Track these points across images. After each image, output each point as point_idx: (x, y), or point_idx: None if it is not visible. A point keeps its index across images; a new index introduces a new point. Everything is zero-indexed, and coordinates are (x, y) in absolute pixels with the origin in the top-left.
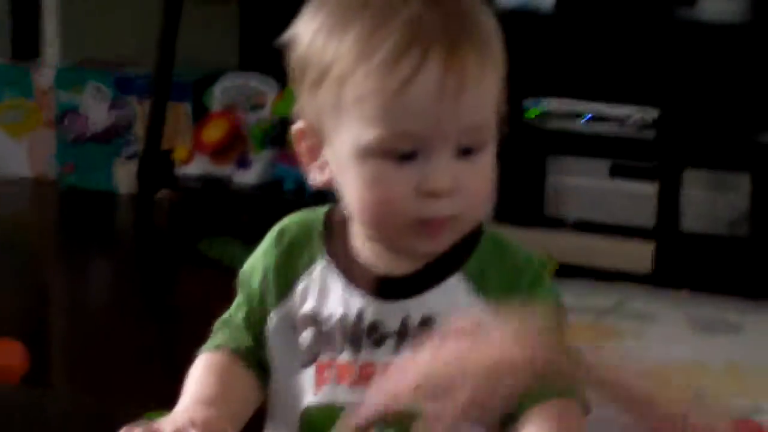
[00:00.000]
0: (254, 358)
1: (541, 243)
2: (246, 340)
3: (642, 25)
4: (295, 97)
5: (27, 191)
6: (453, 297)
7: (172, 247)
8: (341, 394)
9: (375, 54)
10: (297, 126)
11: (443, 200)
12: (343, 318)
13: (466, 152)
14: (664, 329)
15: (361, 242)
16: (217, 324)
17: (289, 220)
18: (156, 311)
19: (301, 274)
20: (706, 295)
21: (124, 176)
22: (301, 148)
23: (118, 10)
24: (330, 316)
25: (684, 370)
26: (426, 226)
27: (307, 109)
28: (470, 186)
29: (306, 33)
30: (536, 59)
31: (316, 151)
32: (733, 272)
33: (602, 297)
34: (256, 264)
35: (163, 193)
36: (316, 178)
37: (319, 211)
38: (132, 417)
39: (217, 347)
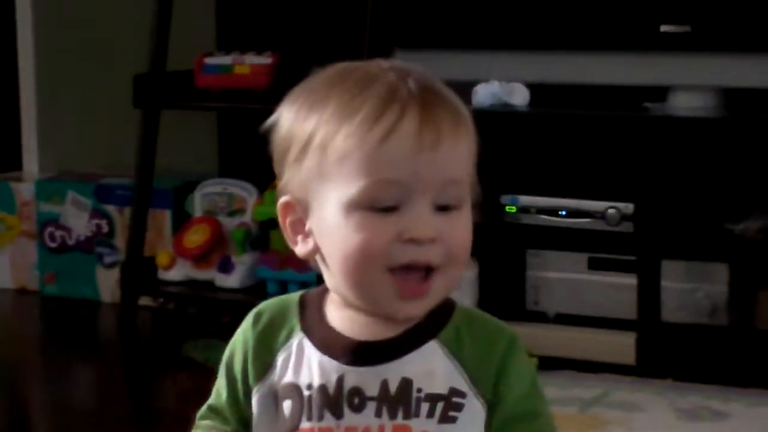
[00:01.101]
0: None
1: (523, 337)
2: (233, 424)
3: (615, 121)
4: (280, 176)
5: (9, 301)
6: (430, 360)
7: (156, 352)
8: None
9: (355, 116)
10: (282, 201)
11: (423, 247)
12: (323, 386)
13: (443, 209)
14: (650, 418)
15: (336, 313)
16: (201, 413)
17: (265, 304)
18: (141, 416)
19: (279, 349)
20: (690, 384)
21: (107, 284)
22: (285, 223)
23: (95, 121)
24: (309, 385)
25: None
26: (407, 285)
27: (292, 184)
28: (450, 237)
29: (288, 114)
30: (512, 156)
31: (299, 224)
32: (716, 361)
33: (587, 388)
34: (236, 347)
35: (145, 300)
36: (299, 249)
37: (294, 294)
38: None
39: None
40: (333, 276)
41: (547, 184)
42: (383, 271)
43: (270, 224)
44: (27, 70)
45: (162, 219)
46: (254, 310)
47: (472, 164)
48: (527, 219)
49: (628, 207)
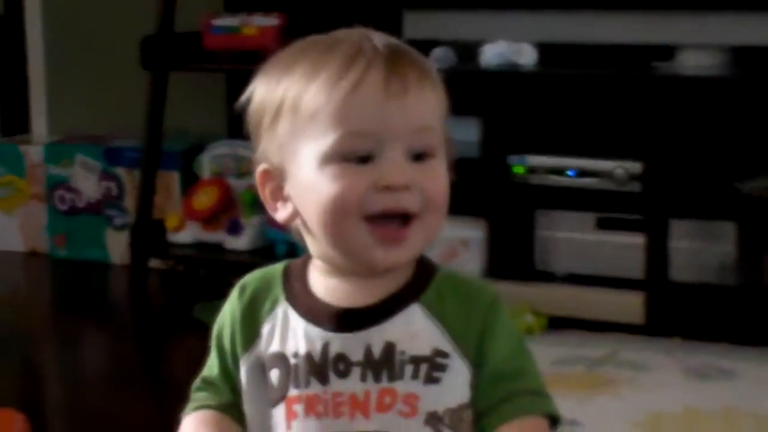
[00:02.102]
0: (236, 411)
1: (532, 296)
2: (226, 395)
3: (622, 81)
4: (256, 147)
5: (20, 264)
6: (412, 323)
7: (166, 314)
8: (312, 425)
9: (322, 73)
10: (260, 169)
11: (399, 193)
12: (308, 354)
13: (418, 157)
14: (658, 377)
15: (320, 281)
16: (196, 385)
17: (250, 276)
18: (151, 378)
19: (265, 320)
20: (699, 343)
21: (117, 246)
22: (265, 191)
23: (104, 83)
24: (295, 353)
25: (679, 416)
26: (385, 232)
27: (268, 151)
28: (424, 185)
29: (259, 87)
30: (520, 117)
31: (278, 190)
32: (724, 319)
33: (595, 347)
34: (224, 320)
35: (155, 262)
36: (280, 215)
37: (278, 265)
38: None
39: (200, 407)
40: (313, 237)
41: (555, 144)
42: (359, 220)
43: None
44: (34, 32)
45: (171, 181)
46: (239, 283)
47: (442, 117)
48: (535, 179)
49: (635, 166)
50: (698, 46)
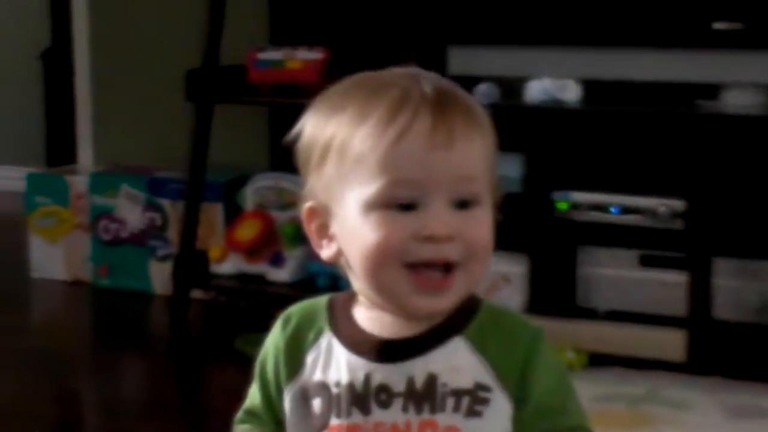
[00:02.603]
0: None
1: (573, 333)
2: (269, 426)
3: (666, 118)
4: (303, 182)
5: (63, 293)
6: (455, 356)
7: (207, 345)
8: None
9: (370, 118)
10: (306, 206)
11: (442, 244)
12: (351, 383)
13: (462, 205)
14: (698, 416)
15: (364, 313)
16: (239, 417)
17: (294, 307)
18: (190, 409)
19: (309, 349)
20: (739, 382)
21: (159, 277)
22: (311, 228)
23: (149, 115)
24: (338, 383)
25: None
26: (425, 280)
27: (315, 189)
28: (467, 235)
29: (309, 123)
30: (564, 153)
31: (324, 228)
32: (765, 358)
33: (636, 385)
34: (267, 350)
35: (197, 293)
36: (324, 253)
37: (322, 298)
38: None
39: None
40: (356, 276)
41: (598, 180)
42: (401, 267)
43: None
44: (82, 63)
45: (214, 212)
46: (283, 314)
47: (489, 163)
48: (579, 215)
49: (679, 204)
50: (742, 85)
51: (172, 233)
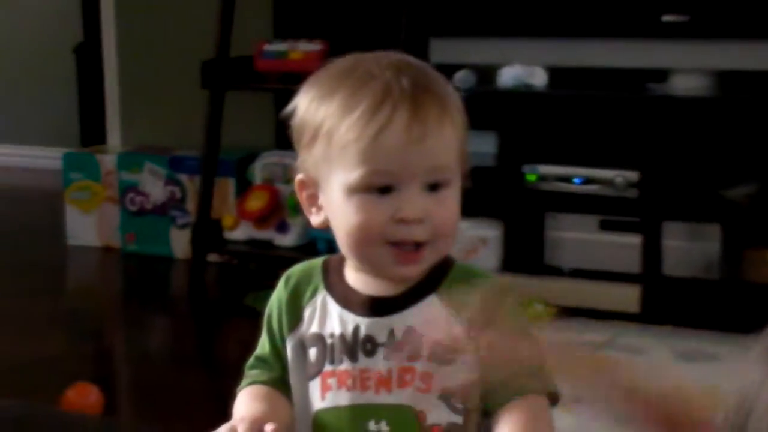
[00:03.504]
0: (285, 385)
1: (542, 289)
2: (276, 371)
3: (622, 100)
4: (296, 154)
5: (96, 258)
6: (429, 311)
7: (221, 303)
8: (342, 397)
9: (354, 111)
10: (298, 178)
11: (414, 226)
12: (342, 335)
13: (433, 188)
14: (652, 360)
15: (353, 275)
16: (250, 363)
17: (294, 268)
18: (208, 358)
19: (306, 305)
20: (687, 330)
21: (179, 243)
22: (302, 196)
23: (169, 101)
24: (331, 334)
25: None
26: (402, 253)
27: (306, 164)
28: (437, 215)
29: (302, 103)
30: (533, 131)
31: (313, 198)
32: (709, 309)
33: (597, 333)
34: (272, 305)
35: (213, 257)
36: (314, 219)
37: (317, 260)
38: None
39: (253, 383)
40: (341, 245)
41: (562, 155)
42: (381, 244)
43: None
44: (110, 57)
45: (227, 186)
46: (285, 274)
47: (459, 146)
48: (546, 186)
49: (633, 175)
50: (688, 71)
51: (190, 204)
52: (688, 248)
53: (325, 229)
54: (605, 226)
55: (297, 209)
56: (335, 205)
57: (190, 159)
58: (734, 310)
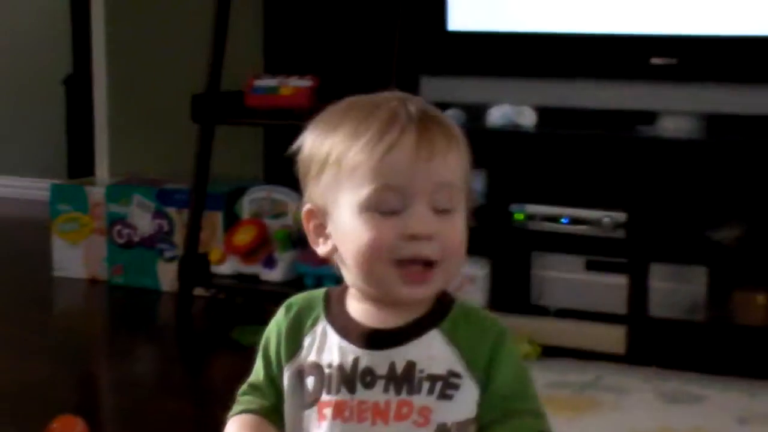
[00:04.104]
0: (276, 414)
1: (528, 328)
2: (269, 399)
3: (610, 141)
4: (303, 189)
5: (82, 290)
6: (431, 346)
7: (208, 336)
8: (338, 428)
9: (363, 135)
10: (305, 209)
11: (423, 243)
12: (341, 365)
13: (441, 212)
14: (636, 400)
15: (355, 305)
16: (243, 389)
17: (295, 297)
18: (194, 391)
19: (307, 333)
20: (672, 371)
21: (166, 276)
22: (309, 227)
23: (158, 134)
24: (329, 364)
25: None
26: (409, 274)
27: (313, 194)
28: (445, 235)
29: (308, 140)
30: (521, 170)
31: (321, 227)
32: (695, 351)
33: (582, 373)
34: (271, 332)
35: (199, 290)
36: (321, 250)
37: (319, 290)
38: None
39: (244, 411)
40: (349, 271)
41: (550, 194)
42: (389, 263)
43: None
44: (99, 89)
45: (215, 220)
46: (286, 303)
47: (464, 175)
48: (533, 225)
49: (620, 216)
50: (676, 113)
51: (178, 238)
52: (675, 290)
53: (329, 261)
54: (592, 267)
55: (285, 244)
56: (344, 227)
57: (178, 192)
58: (720, 352)
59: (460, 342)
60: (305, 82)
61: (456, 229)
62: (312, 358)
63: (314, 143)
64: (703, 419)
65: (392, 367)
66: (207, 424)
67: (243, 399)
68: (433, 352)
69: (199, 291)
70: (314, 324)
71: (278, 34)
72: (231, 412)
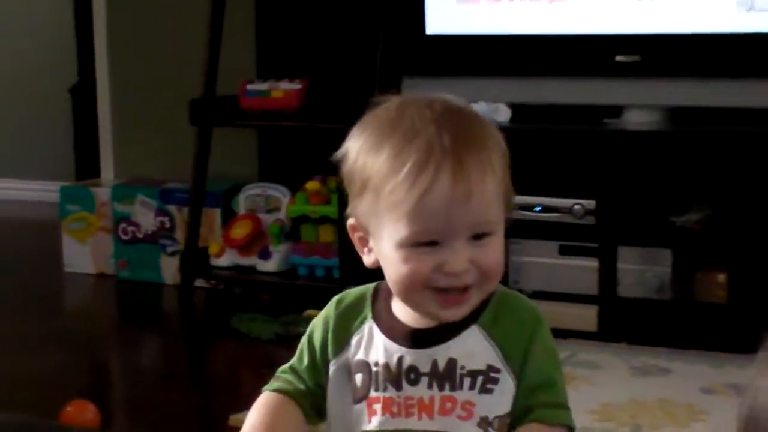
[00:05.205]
0: (309, 399)
1: None
2: (307, 383)
3: (580, 134)
4: (346, 198)
5: (91, 284)
6: (470, 343)
7: (208, 324)
8: (387, 422)
9: (400, 171)
10: (350, 222)
11: (458, 276)
12: (386, 364)
13: (477, 237)
14: (608, 374)
15: (398, 306)
16: (284, 368)
17: (347, 292)
18: (196, 376)
19: (355, 331)
20: (641, 347)
21: (169, 269)
22: (354, 237)
23: (159, 137)
24: (376, 362)
25: (625, 405)
26: (446, 298)
27: (356, 210)
28: (482, 262)
29: (352, 151)
30: None
31: (364, 241)
32: (661, 328)
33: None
34: (318, 324)
35: (200, 282)
36: (366, 260)
37: (371, 285)
38: None
39: (277, 390)
40: (391, 287)
41: (525, 185)
42: (426, 290)
43: (300, 220)
44: (104, 96)
45: (213, 216)
46: (337, 297)
47: (503, 192)
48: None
49: (590, 203)
50: (641, 107)
51: (179, 233)
52: (642, 271)
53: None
54: (564, 251)
55: (278, 237)
56: (384, 255)
57: (179, 191)
58: (684, 329)
59: (498, 337)
60: (295, 85)
61: (492, 252)
62: (359, 356)
63: (357, 160)
64: (670, 390)
65: (435, 364)
66: (209, 407)
67: (281, 377)
68: (472, 348)
69: (199, 282)
70: (362, 323)
71: (269, 41)
72: (267, 386)
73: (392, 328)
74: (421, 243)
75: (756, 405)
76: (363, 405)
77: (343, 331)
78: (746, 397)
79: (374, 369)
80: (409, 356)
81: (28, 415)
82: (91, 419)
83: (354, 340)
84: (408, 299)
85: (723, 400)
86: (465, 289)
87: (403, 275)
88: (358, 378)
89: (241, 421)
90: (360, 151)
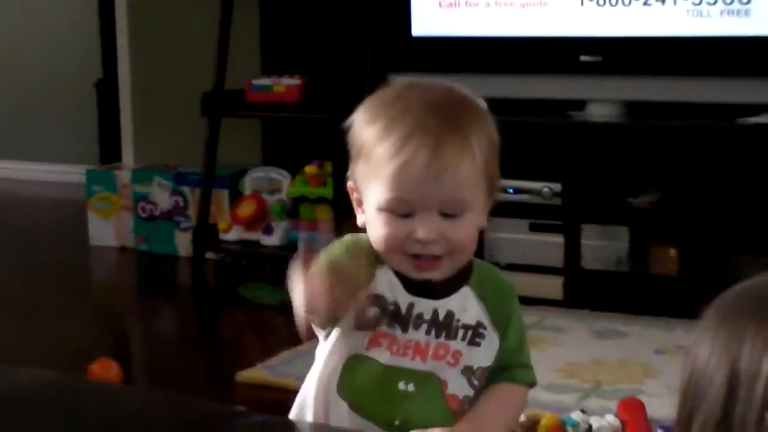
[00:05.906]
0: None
1: None
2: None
3: (547, 125)
4: (350, 161)
5: (114, 256)
6: (465, 300)
7: (218, 293)
8: (384, 356)
9: (387, 141)
10: (348, 184)
11: (427, 245)
12: (398, 306)
13: (449, 213)
14: (573, 338)
15: None
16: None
17: (358, 236)
18: (207, 341)
19: (378, 268)
20: (602, 313)
21: (183, 243)
22: (352, 197)
23: (174, 126)
24: (392, 303)
25: (587, 365)
26: (419, 263)
27: (354, 174)
28: (451, 236)
29: (357, 119)
30: None
31: (359, 201)
32: (620, 296)
33: (526, 316)
34: (334, 252)
35: (210, 255)
36: (359, 219)
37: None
38: (186, 404)
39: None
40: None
41: (499, 170)
42: (403, 254)
43: (299, 200)
44: (125, 91)
45: (222, 196)
46: (350, 237)
47: (482, 174)
48: None
49: (557, 186)
50: (602, 101)
51: (192, 211)
52: (603, 246)
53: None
54: (534, 228)
55: (280, 215)
56: (369, 216)
57: (191, 174)
58: (640, 297)
59: (487, 300)
60: (295, 81)
61: (461, 230)
62: (379, 291)
63: (358, 127)
64: (628, 351)
65: (435, 313)
66: (219, 368)
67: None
68: (467, 304)
69: (210, 255)
70: (381, 264)
71: (272, 42)
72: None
73: (405, 277)
74: (397, 213)
75: (695, 369)
76: (369, 334)
77: (373, 260)
78: (686, 362)
79: (388, 308)
80: (417, 304)
81: (59, 373)
82: (115, 376)
83: (378, 274)
84: (388, 259)
85: (674, 360)
86: (436, 258)
87: (382, 237)
88: (371, 310)
89: (247, 378)
90: (360, 121)
